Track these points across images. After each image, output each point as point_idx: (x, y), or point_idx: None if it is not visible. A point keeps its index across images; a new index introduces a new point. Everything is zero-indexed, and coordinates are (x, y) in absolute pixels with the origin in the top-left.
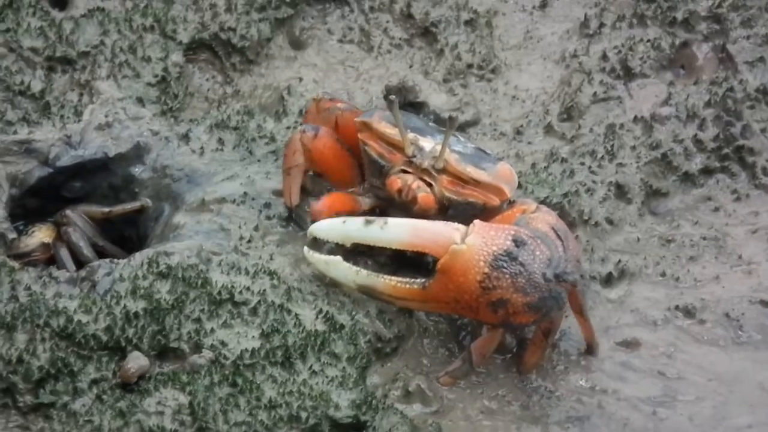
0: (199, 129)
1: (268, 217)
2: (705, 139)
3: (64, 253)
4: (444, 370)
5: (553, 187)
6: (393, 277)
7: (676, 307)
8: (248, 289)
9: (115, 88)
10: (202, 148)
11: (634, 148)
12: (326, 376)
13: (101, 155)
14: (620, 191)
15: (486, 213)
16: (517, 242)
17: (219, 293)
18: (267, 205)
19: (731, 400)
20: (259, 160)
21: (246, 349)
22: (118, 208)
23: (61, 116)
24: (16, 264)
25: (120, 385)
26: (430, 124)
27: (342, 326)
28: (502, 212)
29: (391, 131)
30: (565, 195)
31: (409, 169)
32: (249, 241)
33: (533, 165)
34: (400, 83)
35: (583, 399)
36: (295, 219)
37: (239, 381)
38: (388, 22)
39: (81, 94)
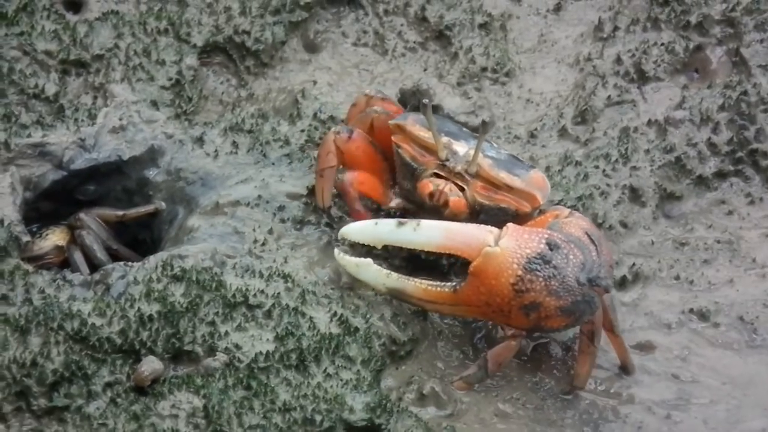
0: (214, 132)
1: (282, 220)
2: (719, 142)
3: (77, 256)
4: (459, 375)
5: (567, 191)
6: (423, 281)
7: (690, 311)
8: (262, 292)
9: (129, 91)
10: (216, 151)
11: (648, 151)
12: (341, 379)
13: (115, 158)
14: (634, 194)
15: (518, 219)
16: (551, 246)
17: (233, 296)
18: (281, 208)
19: (745, 403)
20: (273, 163)
21: (260, 352)
22: (132, 212)
23: (75, 119)
24: (29, 267)
25: (134, 388)
26: (464, 129)
27: (356, 329)
28: (533, 219)
29: (425, 134)
30: (579, 198)
31: (442, 173)
32: (263, 244)
33: (547, 168)
34: (415, 86)
35: (597, 402)
36: (328, 221)
37: (253, 384)
38: (402, 25)
39: (95, 98)
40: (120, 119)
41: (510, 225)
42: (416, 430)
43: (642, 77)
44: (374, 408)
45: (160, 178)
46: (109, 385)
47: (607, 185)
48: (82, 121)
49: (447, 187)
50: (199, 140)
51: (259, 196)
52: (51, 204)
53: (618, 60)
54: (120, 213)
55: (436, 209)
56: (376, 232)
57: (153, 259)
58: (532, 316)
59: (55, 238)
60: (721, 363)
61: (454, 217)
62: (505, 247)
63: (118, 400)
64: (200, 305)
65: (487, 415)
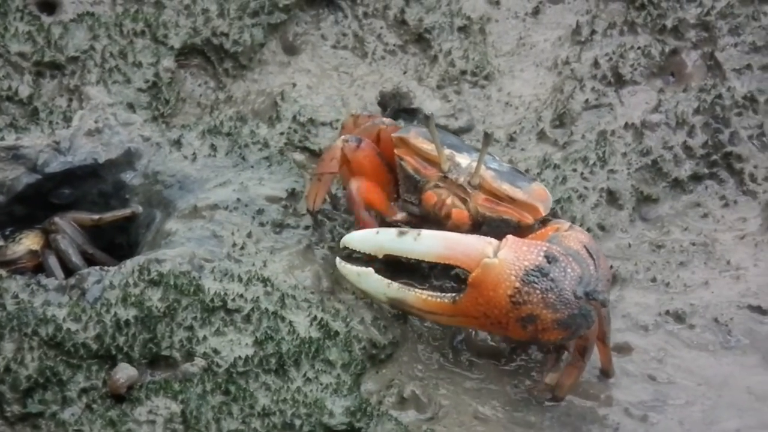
0: (191, 135)
1: (261, 224)
2: (694, 145)
3: (52, 261)
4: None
5: None
6: (424, 291)
7: (667, 312)
8: (241, 296)
9: (105, 93)
10: (194, 154)
11: (625, 154)
12: (320, 383)
13: (91, 161)
14: (611, 197)
15: (519, 231)
16: (549, 258)
17: (211, 300)
18: (260, 212)
19: (720, 404)
20: (252, 166)
21: (239, 357)
22: (108, 215)
23: (50, 122)
24: (2, 272)
25: (110, 394)
26: (466, 142)
27: (336, 333)
28: (534, 231)
29: (428, 147)
30: (558, 201)
31: (444, 185)
32: (242, 248)
33: (526, 171)
34: (394, 89)
35: (575, 404)
36: (314, 223)
37: (232, 389)
38: (381, 28)
39: (70, 100)
40: (96, 122)
41: (509, 237)
42: None
43: (619, 81)
44: (354, 412)
45: (137, 181)
46: (84, 391)
47: (585, 188)
48: (57, 123)
49: (450, 199)
50: (177, 143)
51: (238, 200)
52: (25, 208)
53: (595, 63)
54: (96, 217)
55: (439, 220)
56: (377, 241)
57: (130, 264)
58: (530, 328)
59: (28, 242)
60: (696, 364)
61: (457, 229)
62: (503, 259)
63: (94, 406)
64: (178, 310)
65: (467, 417)
